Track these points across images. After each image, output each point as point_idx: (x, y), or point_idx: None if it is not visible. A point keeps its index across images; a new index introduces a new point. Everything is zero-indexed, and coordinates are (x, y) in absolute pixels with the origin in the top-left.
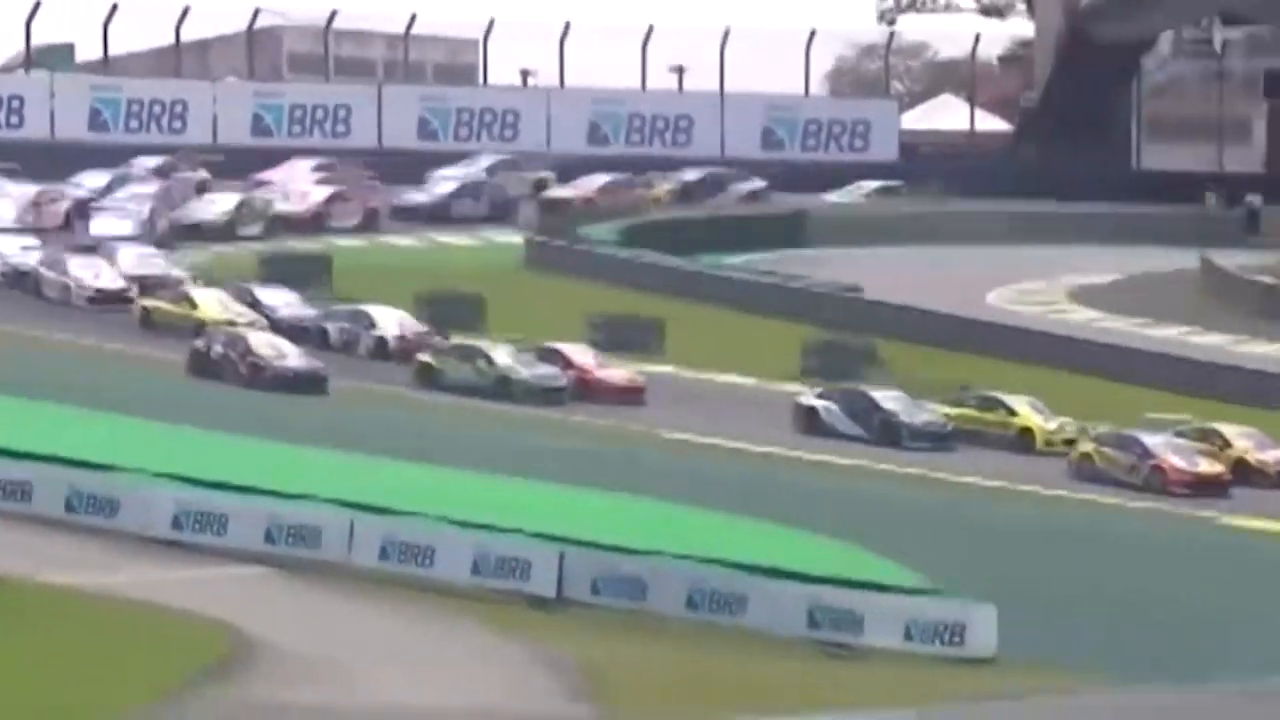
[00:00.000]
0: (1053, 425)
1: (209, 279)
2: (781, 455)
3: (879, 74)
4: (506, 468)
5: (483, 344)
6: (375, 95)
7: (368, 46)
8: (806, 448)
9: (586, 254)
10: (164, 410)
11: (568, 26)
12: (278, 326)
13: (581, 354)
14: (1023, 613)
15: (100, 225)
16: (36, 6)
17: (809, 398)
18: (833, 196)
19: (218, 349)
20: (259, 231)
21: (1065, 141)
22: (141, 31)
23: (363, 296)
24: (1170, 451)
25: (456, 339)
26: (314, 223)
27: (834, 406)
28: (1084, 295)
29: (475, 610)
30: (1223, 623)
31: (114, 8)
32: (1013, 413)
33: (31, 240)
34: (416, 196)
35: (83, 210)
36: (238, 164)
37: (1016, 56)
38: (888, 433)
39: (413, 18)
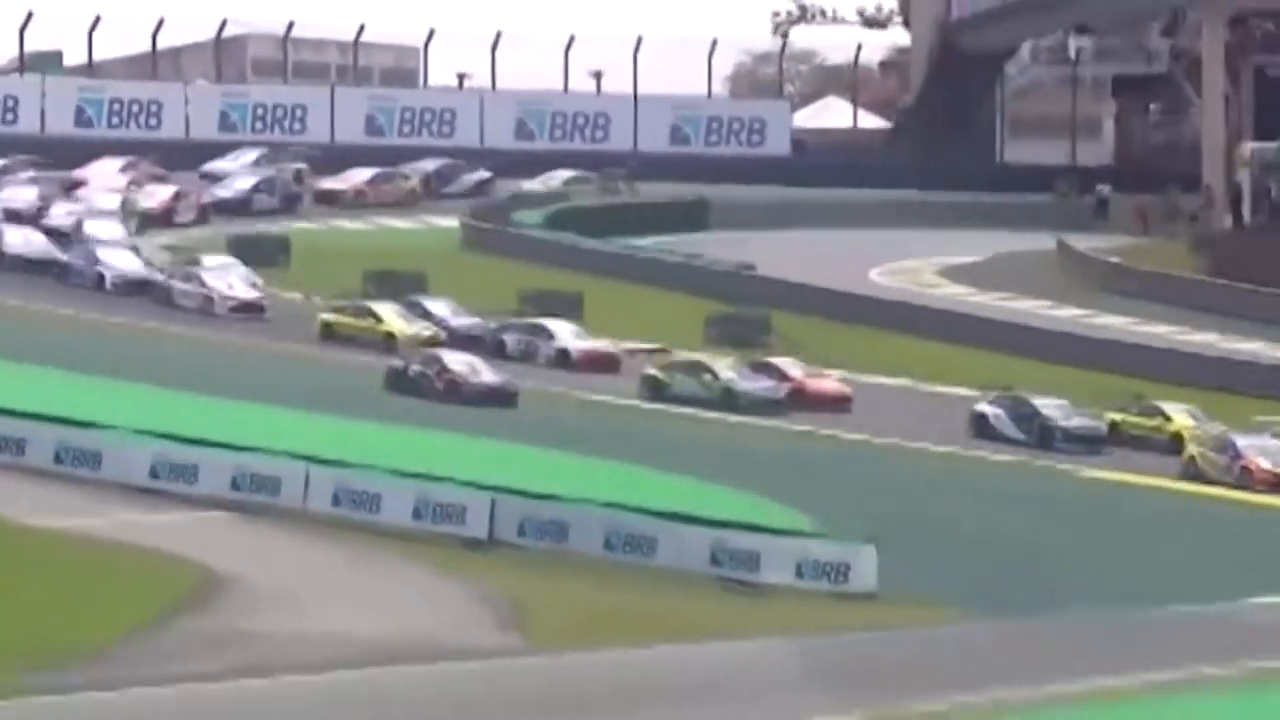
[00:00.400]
0: (1199, 431)
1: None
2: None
3: (773, 78)
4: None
5: (707, 359)
6: (329, 96)
7: (322, 53)
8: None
9: (516, 236)
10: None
11: (499, 35)
12: (452, 337)
13: (792, 366)
14: (902, 553)
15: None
16: (29, 17)
17: (983, 404)
18: (530, 184)
19: (415, 367)
20: (134, 228)
21: (937, 138)
22: (122, 39)
23: (320, 274)
24: (1257, 453)
25: (683, 356)
26: (164, 218)
27: (1001, 413)
28: (953, 273)
29: (416, 551)
30: (1081, 563)
31: (98, 18)
32: (1168, 419)
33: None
34: (222, 192)
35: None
36: (205, 157)
37: (894, 63)
38: (1044, 437)
39: (361, 27)
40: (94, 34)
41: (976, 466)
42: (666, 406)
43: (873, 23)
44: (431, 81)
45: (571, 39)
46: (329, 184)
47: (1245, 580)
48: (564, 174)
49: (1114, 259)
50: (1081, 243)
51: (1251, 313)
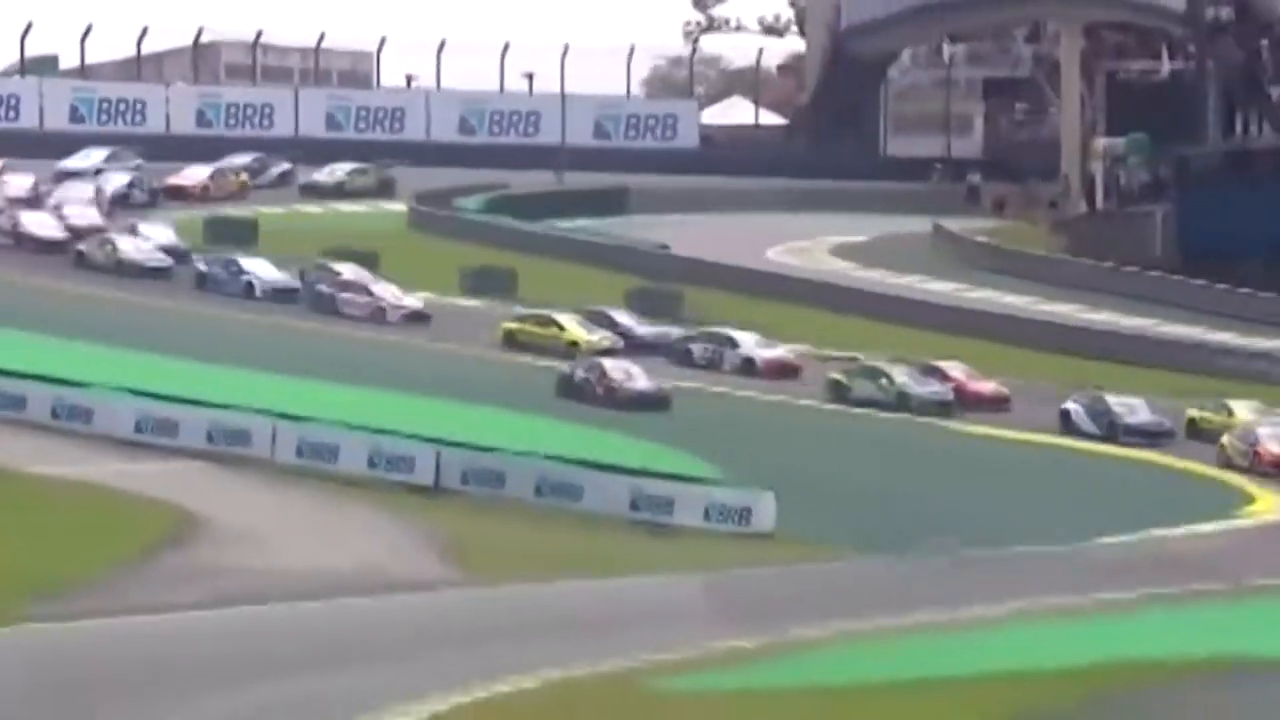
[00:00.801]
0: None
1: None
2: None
3: (684, 80)
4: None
5: (883, 364)
6: (293, 96)
7: (287, 58)
8: None
9: (457, 219)
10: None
11: (443, 42)
12: (638, 345)
13: (956, 369)
14: (796, 500)
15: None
16: (29, 26)
17: (1069, 402)
18: (317, 175)
19: (580, 374)
20: None
21: (828, 133)
22: (111, 45)
23: (287, 252)
24: (1270, 439)
25: (859, 359)
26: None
27: (1080, 409)
28: (842, 251)
29: (370, 496)
30: (952, 508)
31: (89, 27)
32: (1231, 413)
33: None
34: (107, 187)
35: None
36: (188, 151)
37: (791, 67)
38: (1111, 430)
39: (322, 35)
40: (86, 41)
41: (864, 422)
42: (846, 408)
43: (772, 31)
44: (384, 83)
45: (507, 45)
46: (176, 180)
47: (1097, 522)
48: (346, 166)
49: (983, 239)
50: (954, 225)
51: (1104, 286)
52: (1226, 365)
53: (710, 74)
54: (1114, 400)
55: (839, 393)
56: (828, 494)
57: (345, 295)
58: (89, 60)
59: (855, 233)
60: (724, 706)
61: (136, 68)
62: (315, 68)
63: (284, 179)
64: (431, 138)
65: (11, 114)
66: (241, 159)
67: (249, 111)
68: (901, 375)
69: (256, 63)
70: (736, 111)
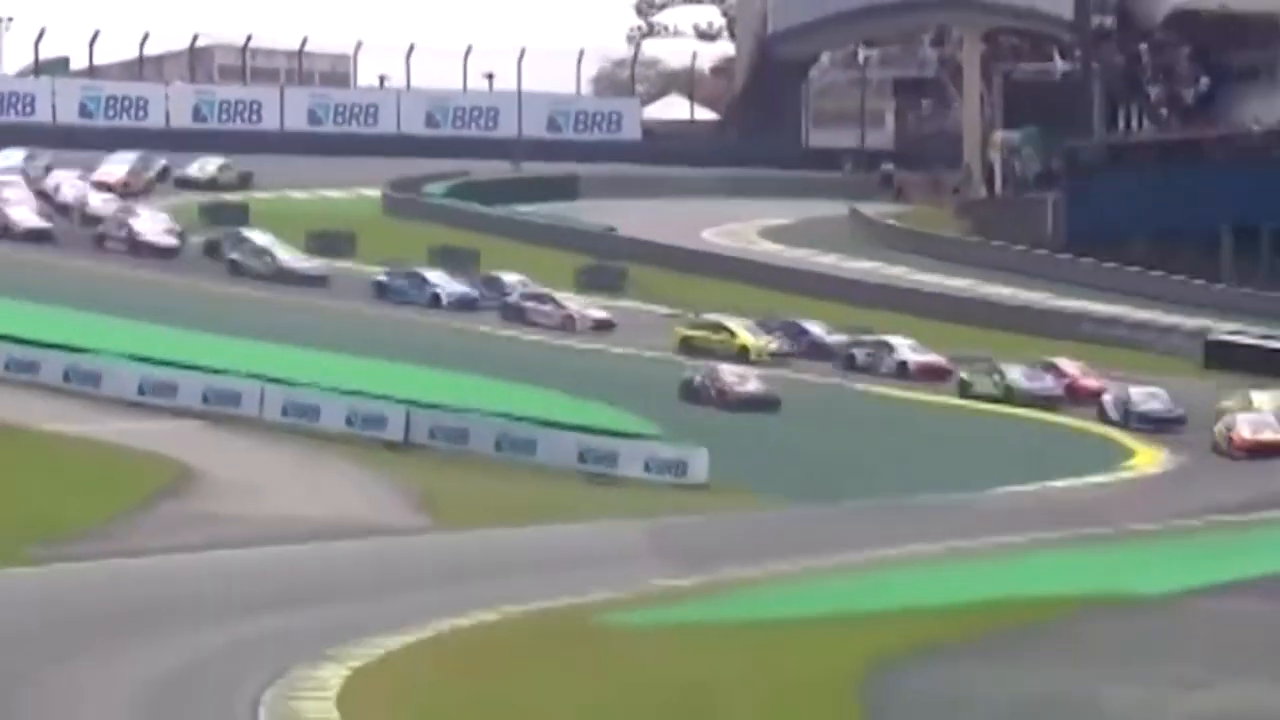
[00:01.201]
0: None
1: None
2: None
3: (627, 80)
4: None
5: (1003, 364)
6: (279, 94)
7: (274, 60)
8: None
9: (426, 204)
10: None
11: (412, 46)
12: (814, 350)
13: (1070, 365)
14: (728, 454)
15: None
16: (42, 31)
17: (1107, 395)
18: (190, 170)
19: (698, 378)
20: None
21: (756, 127)
22: (116, 49)
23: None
24: (1245, 425)
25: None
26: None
27: (1111, 400)
28: (770, 233)
29: (347, 451)
30: (870, 462)
31: (97, 32)
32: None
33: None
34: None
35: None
36: (184, 143)
37: (723, 68)
38: (1126, 418)
39: (305, 40)
40: (94, 45)
41: (793, 387)
42: (967, 402)
43: (706, 36)
44: (360, 83)
45: (469, 49)
46: (101, 176)
47: (996, 474)
48: (215, 161)
49: (894, 222)
50: (869, 209)
51: (1002, 264)
52: (1111, 334)
53: (651, 74)
54: (1136, 391)
55: (965, 389)
56: (763, 452)
57: (535, 306)
58: (97, 62)
59: (781, 216)
60: (664, 638)
61: (139, 68)
62: (299, 69)
63: (164, 174)
64: (402, 131)
65: (28, 110)
66: (131, 154)
67: (240, 108)
68: (1014, 372)
69: (246, 64)
70: (674, 108)
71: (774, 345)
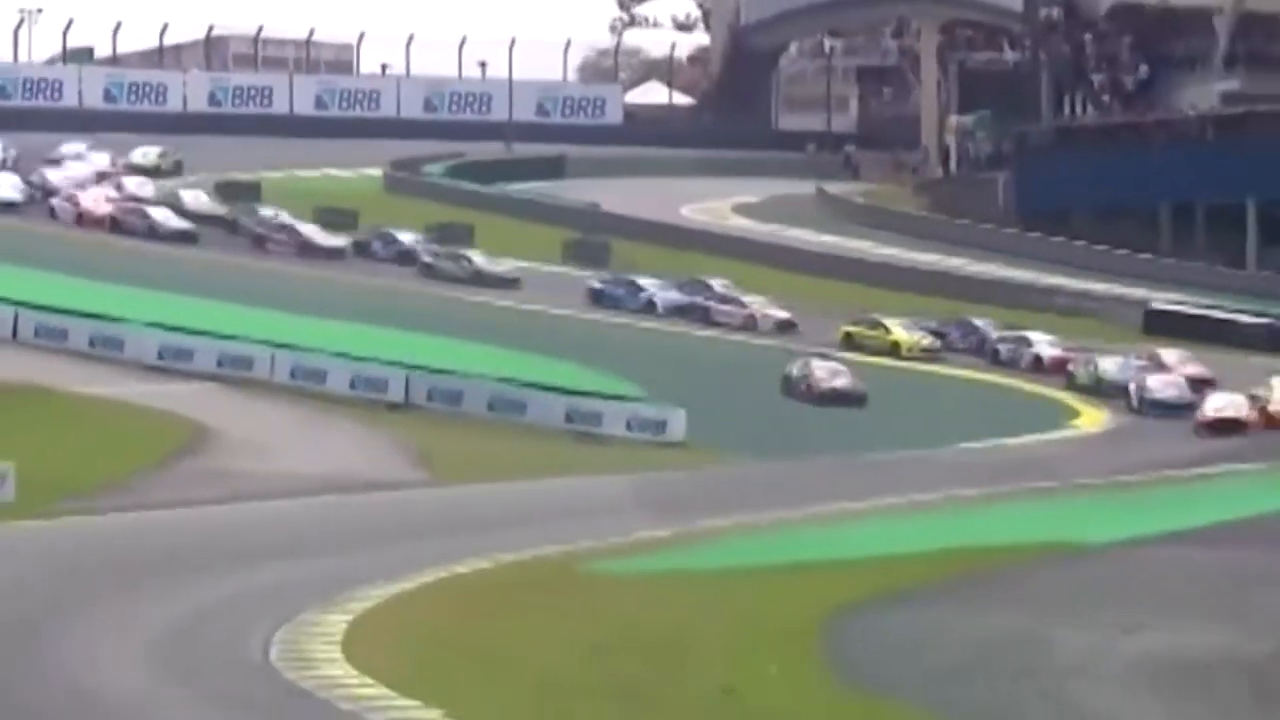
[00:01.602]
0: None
1: None
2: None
3: (611, 68)
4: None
5: (1102, 357)
6: (288, 81)
7: (283, 49)
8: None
9: (424, 182)
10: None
11: (411, 36)
12: (978, 347)
13: (1172, 356)
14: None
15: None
16: (70, 23)
17: (1132, 384)
18: (134, 157)
19: (796, 372)
20: None
21: (730, 112)
22: (137, 39)
23: (287, 209)
24: (1210, 403)
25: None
26: None
27: (1135, 388)
28: (742, 209)
29: (351, 412)
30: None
31: (119, 24)
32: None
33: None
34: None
35: None
36: (200, 127)
37: (699, 57)
38: (1141, 404)
39: (312, 31)
40: (117, 35)
41: (760, 354)
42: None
43: (683, 27)
44: (363, 70)
45: (464, 39)
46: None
47: (955, 432)
48: (155, 149)
49: (858, 199)
50: (834, 188)
51: (956, 238)
52: (1056, 303)
53: (632, 63)
54: (1153, 381)
55: (1071, 381)
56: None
57: (722, 307)
58: (119, 51)
59: (752, 194)
60: (645, 585)
61: (159, 57)
62: (306, 57)
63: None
64: (402, 115)
65: (56, 95)
66: (76, 146)
67: (252, 93)
68: (1106, 363)
69: (258, 53)
70: (654, 94)
71: (926, 341)
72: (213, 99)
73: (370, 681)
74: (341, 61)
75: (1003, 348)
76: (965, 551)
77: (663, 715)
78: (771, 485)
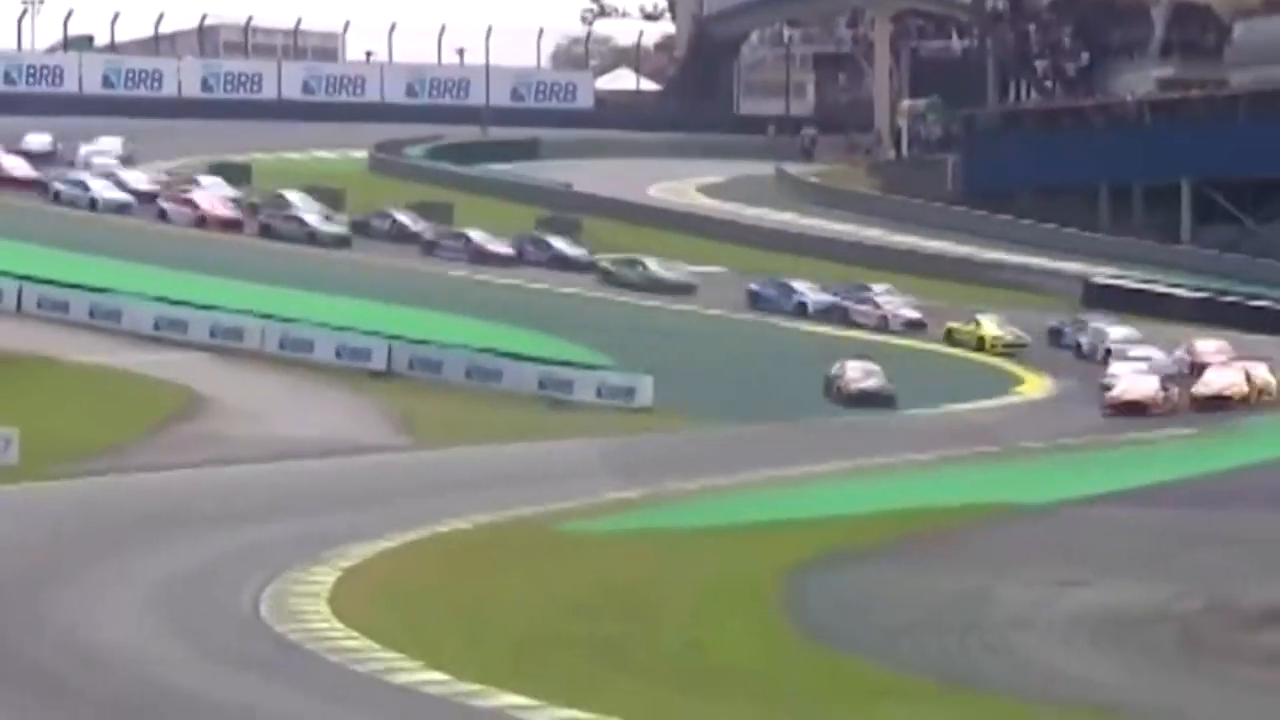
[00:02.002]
0: None
1: None
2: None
3: (582, 55)
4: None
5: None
6: (277, 68)
7: (272, 37)
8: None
9: (406, 163)
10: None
11: (394, 25)
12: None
13: (1204, 344)
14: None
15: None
16: (70, 12)
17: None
18: (89, 147)
19: (834, 371)
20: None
21: (694, 97)
22: (134, 27)
23: (274, 188)
24: (1119, 380)
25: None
26: None
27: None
28: (705, 189)
29: (337, 379)
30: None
31: (117, 14)
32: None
33: None
34: None
35: None
36: (193, 111)
37: (665, 45)
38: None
39: (299, 20)
40: (115, 24)
41: (727, 324)
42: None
43: (650, 17)
44: (348, 57)
45: (444, 28)
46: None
47: (906, 399)
48: (116, 139)
49: (815, 180)
50: (793, 169)
51: (908, 216)
52: (997, 277)
53: (602, 50)
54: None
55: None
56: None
57: (859, 307)
58: (117, 39)
59: (715, 175)
60: (614, 544)
61: (154, 45)
62: (294, 45)
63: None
64: (385, 99)
65: (57, 81)
66: (41, 137)
67: (242, 79)
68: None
69: (248, 41)
70: (623, 80)
71: (1010, 338)
72: (205, 85)
73: (355, 634)
74: (327, 49)
75: (1083, 340)
76: (916, 512)
77: (633, 667)
78: (738, 448)
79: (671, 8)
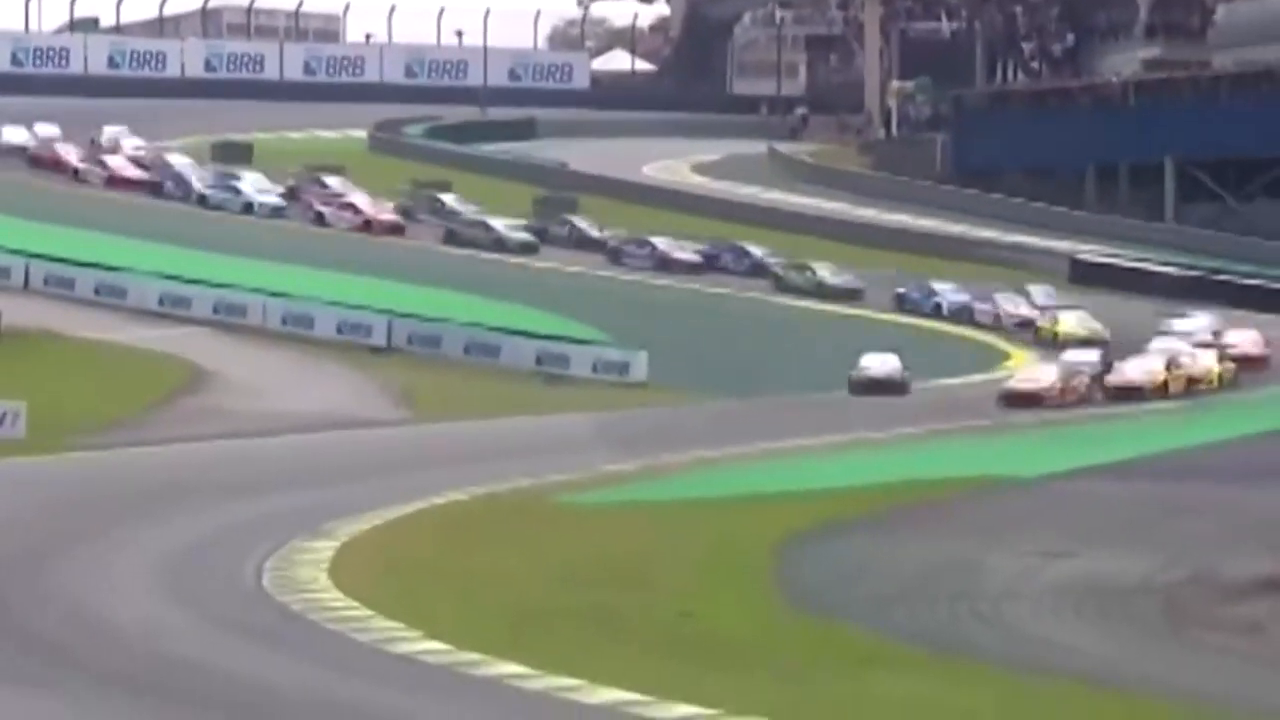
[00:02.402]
0: None
1: None
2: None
3: (578, 36)
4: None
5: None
6: (279, 49)
7: (274, 19)
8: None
9: (405, 142)
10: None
11: (393, 7)
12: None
13: (1239, 334)
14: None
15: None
16: None
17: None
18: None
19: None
20: None
21: (688, 77)
22: (139, 9)
23: (277, 166)
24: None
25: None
26: None
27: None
28: (700, 168)
29: (338, 355)
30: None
31: None
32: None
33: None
34: None
35: None
36: (197, 91)
37: (660, 26)
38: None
39: (300, 2)
40: (120, 6)
41: (717, 301)
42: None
43: None
44: (348, 39)
45: (442, 10)
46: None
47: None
48: (118, 127)
49: (806, 159)
50: (784, 148)
51: (898, 195)
52: (984, 254)
53: (598, 31)
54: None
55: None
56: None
57: (981, 306)
58: (123, 21)
59: (709, 154)
60: (610, 515)
61: (159, 27)
62: (296, 27)
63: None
64: (384, 80)
65: (64, 62)
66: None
67: (245, 60)
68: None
69: (251, 23)
70: (618, 61)
71: (1082, 333)
72: (208, 66)
73: (355, 604)
74: (328, 31)
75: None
76: (907, 485)
77: (627, 636)
78: (728, 422)
79: None
